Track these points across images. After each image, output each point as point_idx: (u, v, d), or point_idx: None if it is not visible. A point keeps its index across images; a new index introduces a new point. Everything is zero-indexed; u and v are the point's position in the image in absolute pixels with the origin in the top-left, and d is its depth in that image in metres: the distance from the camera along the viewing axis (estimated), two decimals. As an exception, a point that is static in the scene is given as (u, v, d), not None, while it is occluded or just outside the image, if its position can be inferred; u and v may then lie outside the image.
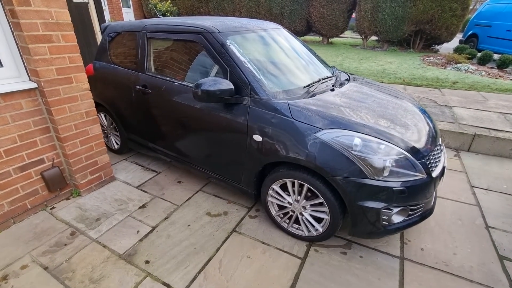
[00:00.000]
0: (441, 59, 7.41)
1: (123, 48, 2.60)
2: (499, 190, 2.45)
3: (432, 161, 1.69)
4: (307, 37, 12.43)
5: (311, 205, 1.77)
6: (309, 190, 1.73)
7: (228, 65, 1.87)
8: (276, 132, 1.70)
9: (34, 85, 1.98)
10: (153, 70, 2.37)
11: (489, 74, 5.99)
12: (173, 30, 2.17)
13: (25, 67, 1.96)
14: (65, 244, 1.92)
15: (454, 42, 9.95)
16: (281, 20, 10.95)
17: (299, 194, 1.78)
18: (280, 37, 2.40)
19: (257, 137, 1.78)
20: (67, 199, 2.40)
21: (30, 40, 1.83)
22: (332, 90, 2.00)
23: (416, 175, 1.57)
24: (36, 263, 1.75)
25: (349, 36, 13.93)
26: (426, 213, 1.77)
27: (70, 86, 2.13)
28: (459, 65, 6.41)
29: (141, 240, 1.96)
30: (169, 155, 2.52)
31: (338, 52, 8.91)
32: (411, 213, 1.67)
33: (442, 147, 1.91)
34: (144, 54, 2.38)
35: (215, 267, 1.73)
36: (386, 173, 1.50)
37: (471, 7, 13.14)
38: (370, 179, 1.50)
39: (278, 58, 2.16)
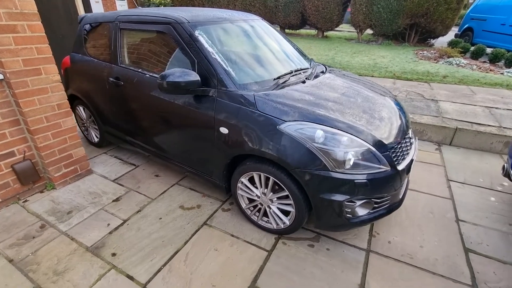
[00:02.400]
0: (434, 53, 7.35)
1: (98, 40, 2.55)
2: (475, 184, 2.45)
3: (399, 154, 1.68)
4: (302, 31, 12.29)
5: (278, 198, 1.76)
6: (275, 183, 1.71)
7: (196, 56, 1.83)
8: (242, 124, 1.68)
9: (1, 76, 1.95)
10: (125, 62, 2.33)
11: (480, 68, 5.95)
12: (144, 21, 2.13)
13: (-10, 58, 1.93)
14: (34, 237, 1.91)
15: (450, 36, 9.86)
16: (275, 13, 10.82)
17: (266, 187, 1.77)
18: (257, 29, 2.36)
19: (224, 130, 1.76)
20: (41, 192, 2.38)
21: (-8, 30, 1.79)
22: (304, 82, 1.97)
23: (380, 168, 1.55)
24: (2, 256, 1.75)
25: (346, 29, 13.77)
26: (394, 206, 1.76)
27: (39, 78, 2.09)
28: (451, 59, 6.36)
29: (110, 233, 1.95)
30: (145, 149, 2.50)
31: (331, 46, 8.82)
32: (376, 206, 1.66)
33: (412, 140, 1.89)
34: (117, 45, 2.34)
35: (181, 260, 1.73)
36: (348, 166, 1.49)
37: (470, 1, 13.01)
38: (332, 171, 1.49)
39: (251, 50, 2.12)
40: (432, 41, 9.95)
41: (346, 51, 7.93)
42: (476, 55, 6.80)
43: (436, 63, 6.43)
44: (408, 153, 1.78)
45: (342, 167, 1.49)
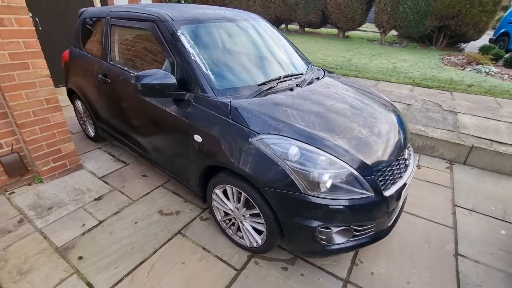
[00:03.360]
0: (462, 59, 6.79)
1: (93, 35, 2.53)
2: (484, 212, 2.17)
3: (388, 178, 1.49)
4: (323, 30, 11.87)
5: (250, 215, 1.63)
6: (247, 199, 1.58)
7: (176, 57, 1.73)
8: (215, 133, 1.56)
9: (-13, 69, 1.95)
10: (114, 59, 2.27)
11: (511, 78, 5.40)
12: (131, 18, 2.06)
13: (-22, 50, 1.94)
14: (9, 232, 1.91)
15: (484, 41, 9.09)
16: (295, 10, 10.51)
17: (239, 201, 1.64)
18: (251, 29, 2.21)
19: (198, 138, 1.65)
20: (29, 184, 2.41)
21: (-23, 23, 1.79)
22: (291, 89, 1.81)
23: (362, 193, 1.37)
24: (-27, 249, 1.76)
25: (370, 29, 13.12)
26: (379, 234, 1.57)
27: (26, 72, 2.09)
28: (480, 66, 5.83)
29: (83, 234, 1.92)
30: (132, 148, 2.46)
31: (350, 47, 8.43)
32: (356, 233, 1.48)
33: (408, 162, 1.68)
34: (107, 41, 2.29)
35: (145, 271, 1.65)
36: (323, 189, 1.33)
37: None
38: (305, 194, 1.33)
39: (240, 52, 1.99)
40: (463, 45, 9.23)
41: (365, 53, 7.54)
42: (509, 64, 6.19)
43: (462, 70, 5.92)
44: (400, 177, 1.57)
45: (316, 190, 1.33)
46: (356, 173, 1.37)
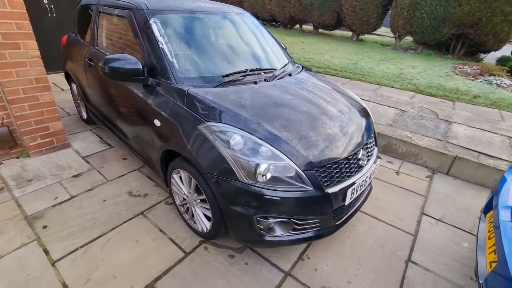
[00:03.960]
0: (476, 69, 6.51)
1: (85, 21, 2.66)
2: (452, 223, 2.11)
3: (333, 175, 1.49)
4: (337, 32, 11.71)
5: (200, 201, 1.68)
6: (197, 184, 1.63)
7: (146, 44, 1.81)
8: (171, 119, 1.62)
9: (-19, 46, 2.11)
10: (99, 44, 2.39)
11: (525, 92, 5.12)
12: (114, 5, 2.15)
13: (-26, 29, 2.10)
14: (-11, 197, 2.07)
15: (505, 51, 8.66)
16: (310, 11, 10.44)
17: (190, 187, 1.70)
18: (230, 23, 2.26)
19: (157, 122, 1.72)
20: (17, 158, 2.58)
21: (-29, 2, 1.94)
22: (255, 83, 1.84)
23: (301, 187, 1.39)
24: (-47, 210, 1.92)
25: (387, 34, 12.80)
26: (325, 231, 1.58)
27: (17, 52, 2.24)
28: (491, 77, 5.57)
29: (53, 206, 2.04)
30: (114, 132, 2.57)
31: (361, 50, 8.28)
32: (298, 227, 1.50)
33: (361, 162, 1.66)
34: (94, 27, 2.41)
35: (99, 245, 1.74)
36: (260, 179, 1.35)
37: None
38: (243, 182, 1.37)
39: (210, 44, 2.03)
40: (482, 55, 8.84)
41: (375, 57, 7.38)
42: (526, 77, 5.88)
43: (472, 80, 5.68)
44: (350, 176, 1.57)
45: (253, 179, 1.36)
46: (295, 166, 1.38)
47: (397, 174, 2.72)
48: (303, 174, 1.39)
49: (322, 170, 1.45)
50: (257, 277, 1.59)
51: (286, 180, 1.38)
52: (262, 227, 1.45)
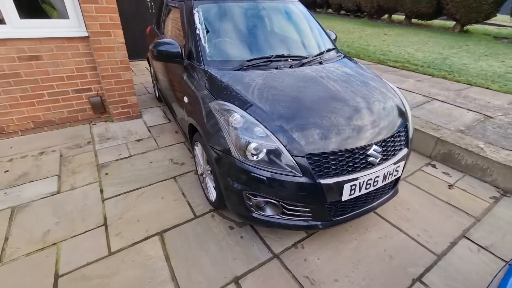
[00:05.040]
0: None
1: (159, 14, 3.17)
2: (502, 256, 1.67)
3: (330, 166, 1.43)
4: (435, 22, 9.91)
5: (210, 172, 1.87)
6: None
7: (187, 30, 2.08)
8: (193, 96, 1.85)
9: (87, 34, 2.83)
10: (165, 32, 2.83)
11: None
12: (174, -2, 2.51)
13: (84, 21, 2.81)
14: (80, 147, 2.81)
15: None
16: (403, -2, 9.17)
17: (203, 158, 1.90)
18: (271, 10, 2.32)
19: (185, 99, 1.98)
20: (105, 121, 3.35)
21: (81, 0, 2.61)
22: (277, 68, 1.88)
23: (290, 172, 1.40)
24: (58, 152, 2.69)
25: (509, 23, 10.04)
26: (318, 224, 1.55)
27: (109, 39, 2.89)
28: None
29: (116, 160, 2.61)
30: (168, 107, 3.02)
31: (458, 44, 6.84)
32: (287, 212, 1.52)
33: (370, 159, 1.51)
34: (162, 18, 2.86)
35: (136, 195, 2.17)
36: (250, 157, 1.43)
37: None
38: (234, 158, 1.48)
39: (243, 31, 2.14)
40: None
41: (475, 52, 6.01)
42: None
43: None
44: (352, 171, 1.47)
45: (244, 156, 1.45)
46: (284, 150, 1.40)
47: (450, 188, 2.29)
48: (292, 159, 1.40)
49: (316, 159, 1.42)
50: (247, 251, 1.70)
51: (275, 162, 1.42)
52: (251, 203, 1.54)
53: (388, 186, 1.75)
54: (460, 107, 3.37)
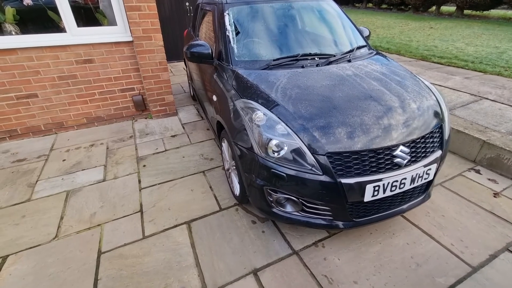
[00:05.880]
0: None
1: (195, 17, 3.35)
2: (556, 276, 1.47)
3: (352, 166, 1.41)
4: (493, 12, 8.82)
5: (234, 167, 1.95)
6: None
7: (218, 32, 2.18)
8: (221, 94, 1.95)
9: (131, 38, 3.11)
10: (200, 35, 2.99)
11: None
12: (207, 2, 2.65)
13: (129, 27, 3.10)
14: (123, 140, 3.11)
15: None
16: (455, -13, 8.34)
17: (229, 154, 1.99)
18: (301, 9, 2.33)
19: (214, 97, 2.09)
20: (145, 118, 3.66)
21: (127, 8, 2.89)
22: (303, 67, 1.89)
23: (311, 169, 1.42)
24: (105, 145, 3.02)
25: None
26: (339, 224, 1.54)
27: (149, 42, 3.14)
28: None
29: (153, 154, 2.85)
30: (201, 104, 3.19)
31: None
32: (307, 210, 1.53)
33: (398, 160, 1.45)
34: (197, 21, 3.03)
35: (168, 186, 2.35)
36: (271, 153, 1.47)
37: None
38: (256, 154, 1.53)
39: (272, 31, 2.17)
40: None
41: (544, 44, 5.24)
42: None
43: None
44: (375, 172, 1.43)
45: (265, 152, 1.50)
46: (305, 147, 1.42)
47: (495, 196, 2.07)
48: (312, 157, 1.41)
49: (337, 157, 1.41)
50: (267, 245, 1.75)
51: (296, 160, 1.44)
52: (271, 199, 1.58)
53: (419, 189, 1.66)
54: (516, 107, 3.01)
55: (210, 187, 2.32)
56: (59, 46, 2.90)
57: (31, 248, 1.77)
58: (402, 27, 8.02)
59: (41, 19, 2.89)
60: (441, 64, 4.70)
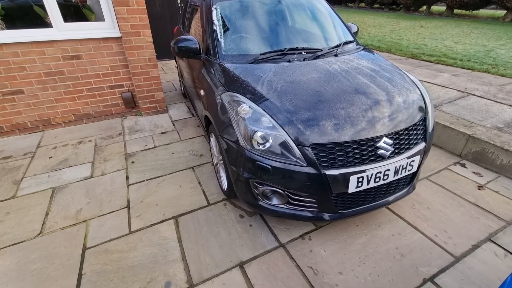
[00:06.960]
0: None
1: (184, 14, 3.33)
2: (535, 264, 1.51)
3: (336, 157, 1.42)
4: (481, 12, 8.99)
5: (222, 162, 1.95)
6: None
7: (205, 27, 2.18)
8: (208, 89, 1.94)
9: (120, 34, 3.08)
10: (188, 31, 2.97)
11: None
12: (196, -3, 2.64)
13: (117, 22, 3.07)
14: (112, 137, 3.07)
15: None
16: (445, -13, 8.47)
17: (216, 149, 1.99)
18: (288, 4, 2.33)
19: (202, 92, 2.08)
20: (135, 115, 3.62)
21: (115, 4, 2.86)
22: (289, 61, 1.89)
23: (295, 161, 1.42)
24: (93, 142, 2.98)
25: None
26: (324, 216, 1.55)
27: (138, 38, 3.11)
28: None
29: (142, 150, 2.82)
30: (190, 101, 3.18)
31: (508, 34, 6.16)
32: (293, 202, 1.54)
33: (381, 152, 1.47)
34: (186, 17, 3.01)
35: (157, 182, 2.33)
36: (256, 146, 1.47)
37: None
38: (241, 147, 1.53)
39: (258, 25, 2.17)
40: None
41: (529, 42, 5.36)
42: None
43: None
44: (360, 163, 1.44)
45: (250, 145, 1.50)
46: (289, 140, 1.42)
47: (479, 189, 2.11)
48: (296, 148, 1.41)
49: (321, 149, 1.42)
50: (254, 239, 1.75)
51: (281, 152, 1.44)
52: (257, 192, 1.58)
53: (403, 181, 1.68)
54: (501, 103, 3.07)
55: (199, 182, 2.31)
56: (45, 41, 2.85)
57: (14, 244, 1.74)
58: (393, 26, 8.11)
59: (27, 15, 2.84)
60: (431, 62, 4.77)
